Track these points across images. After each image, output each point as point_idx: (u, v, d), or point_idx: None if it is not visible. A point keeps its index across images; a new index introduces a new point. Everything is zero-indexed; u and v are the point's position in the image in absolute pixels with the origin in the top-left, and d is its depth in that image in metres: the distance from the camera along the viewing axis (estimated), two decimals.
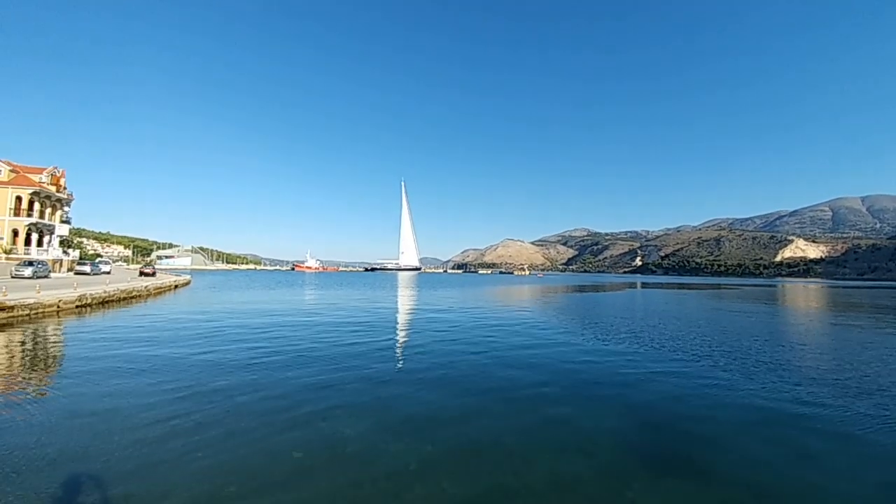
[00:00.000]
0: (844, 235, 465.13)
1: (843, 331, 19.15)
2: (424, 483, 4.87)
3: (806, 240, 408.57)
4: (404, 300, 32.68)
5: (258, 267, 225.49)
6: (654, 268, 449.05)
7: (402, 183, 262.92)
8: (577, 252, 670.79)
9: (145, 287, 31.07)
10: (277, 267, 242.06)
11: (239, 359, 10.84)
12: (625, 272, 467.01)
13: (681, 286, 78.85)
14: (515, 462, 5.47)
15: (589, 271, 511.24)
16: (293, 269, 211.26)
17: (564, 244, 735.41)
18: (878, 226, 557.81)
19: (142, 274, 50.36)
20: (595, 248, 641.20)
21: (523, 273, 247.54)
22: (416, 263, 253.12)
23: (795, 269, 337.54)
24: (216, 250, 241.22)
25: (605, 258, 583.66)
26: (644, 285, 78.98)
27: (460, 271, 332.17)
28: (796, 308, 32.35)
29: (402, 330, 16.96)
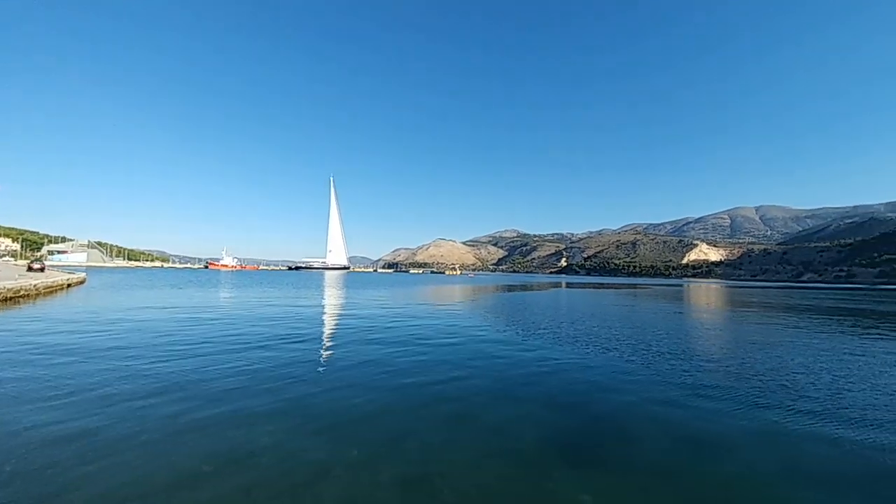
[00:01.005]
0: (740, 241, 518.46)
1: (733, 325, 21.02)
2: (346, 488, 4.69)
3: (708, 244, 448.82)
4: (329, 300, 31.48)
5: (165, 265, 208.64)
6: (577, 268, 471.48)
7: (332, 179, 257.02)
8: (507, 252, 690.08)
9: (34, 286, 27.70)
10: (188, 265, 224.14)
11: (138, 363, 9.69)
12: (551, 272, 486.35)
13: (600, 286, 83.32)
14: (439, 461, 5.36)
15: (518, 271, 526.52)
16: (206, 267, 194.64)
17: (495, 244, 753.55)
18: (768, 233, 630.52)
19: (30, 269, 45.06)
20: (524, 248, 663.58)
21: (454, 273, 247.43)
22: (344, 262, 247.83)
23: (699, 271, 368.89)
24: (116, 246, 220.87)
25: (534, 259, 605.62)
26: (568, 285, 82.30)
27: (391, 271, 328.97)
28: (698, 305, 35.24)
29: (324, 331, 16.16)
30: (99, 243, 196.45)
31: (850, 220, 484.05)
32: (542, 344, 14.03)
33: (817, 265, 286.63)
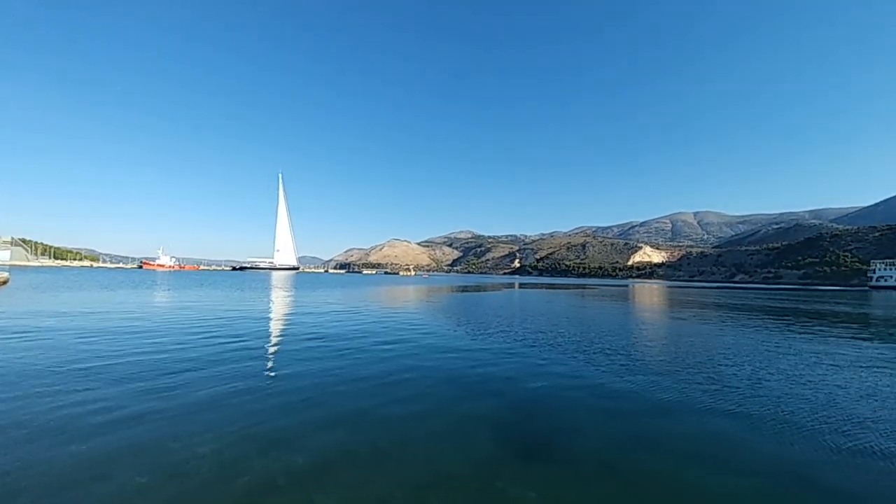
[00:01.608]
0: (680, 244, 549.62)
1: (671, 322, 21.83)
2: (293, 498, 4.47)
3: (652, 247, 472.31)
4: (277, 301, 30.30)
5: (95, 264, 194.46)
6: (530, 269, 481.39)
7: (280, 176, 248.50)
8: (461, 253, 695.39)
9: None
10: (120, 265, 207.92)
11: (67, 369, 9.12)
12: (505, 273, 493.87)
13: (552, 286, 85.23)
14: (390, 465, 5.23)
15: (472, 272, 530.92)
16: (141, 266, 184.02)
17: (450, 245, 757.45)
18: (705, 237, 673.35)
19: None
20: (478, 249, 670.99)
21: (409, 273, 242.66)
22: (293, 262, 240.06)
23: (643, 272, 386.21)
24: (42, 243, 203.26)
25: (488, 260, 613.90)
26: (521, 286, 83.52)
27: (343, 271, 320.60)
28: (641, 305, 36.54)
29: (270, 334, 15.26)
30: (23, 240, 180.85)
31: (777, 226, 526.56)
32: (493, 343, 14.21)
33: (748, 267, 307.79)
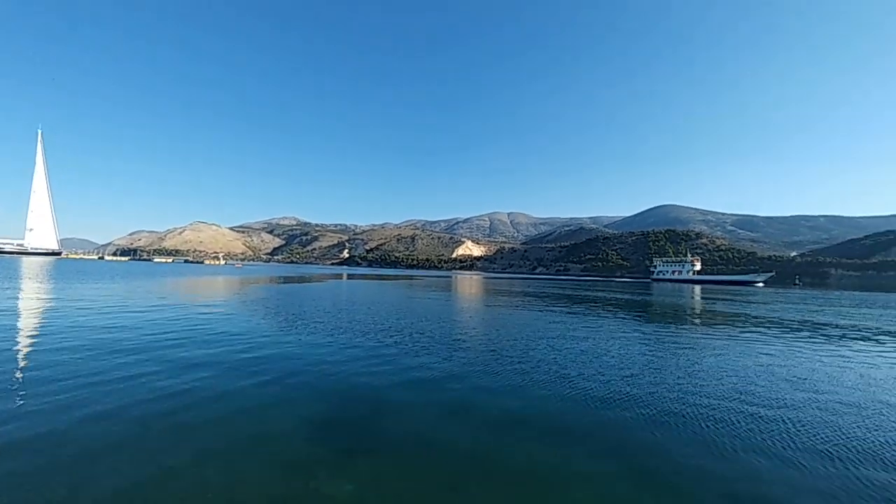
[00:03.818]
0: (496, 240, 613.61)
1: (484, 308, 25.14)
2: None
3: (473, 242, 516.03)
4: (25, 297, 22.90)
5: None
6: (360, 260, 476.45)
7: (39, 133, 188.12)
8: (284, 241, 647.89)
9: None
10: None
11: None
12: (332, 264, 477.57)
13: (381, 277, 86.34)
14: (178, 488, 4.45)
15: (297, 262, 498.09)
16: None
17: (270, 232, 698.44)
18: (516, 234, 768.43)
19: None
20: (304, 238, 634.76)
21: (217, 263, 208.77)
22: (53, 246, 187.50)
23: (465, 264, 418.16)
24: None
25: (315, 249, 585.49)
26: (350, 276, 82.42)
27: (126, 258, 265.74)
28: (461, 294, 39.51)
29: (12, 339, 11.70)
30: None
31: (567, 228, 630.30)
32: (310, 337, 13.61)
33: (546, 261, 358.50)
